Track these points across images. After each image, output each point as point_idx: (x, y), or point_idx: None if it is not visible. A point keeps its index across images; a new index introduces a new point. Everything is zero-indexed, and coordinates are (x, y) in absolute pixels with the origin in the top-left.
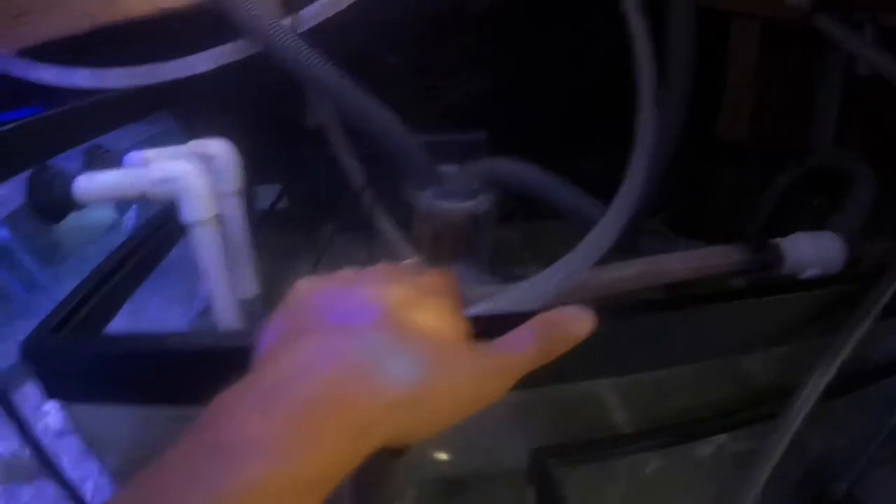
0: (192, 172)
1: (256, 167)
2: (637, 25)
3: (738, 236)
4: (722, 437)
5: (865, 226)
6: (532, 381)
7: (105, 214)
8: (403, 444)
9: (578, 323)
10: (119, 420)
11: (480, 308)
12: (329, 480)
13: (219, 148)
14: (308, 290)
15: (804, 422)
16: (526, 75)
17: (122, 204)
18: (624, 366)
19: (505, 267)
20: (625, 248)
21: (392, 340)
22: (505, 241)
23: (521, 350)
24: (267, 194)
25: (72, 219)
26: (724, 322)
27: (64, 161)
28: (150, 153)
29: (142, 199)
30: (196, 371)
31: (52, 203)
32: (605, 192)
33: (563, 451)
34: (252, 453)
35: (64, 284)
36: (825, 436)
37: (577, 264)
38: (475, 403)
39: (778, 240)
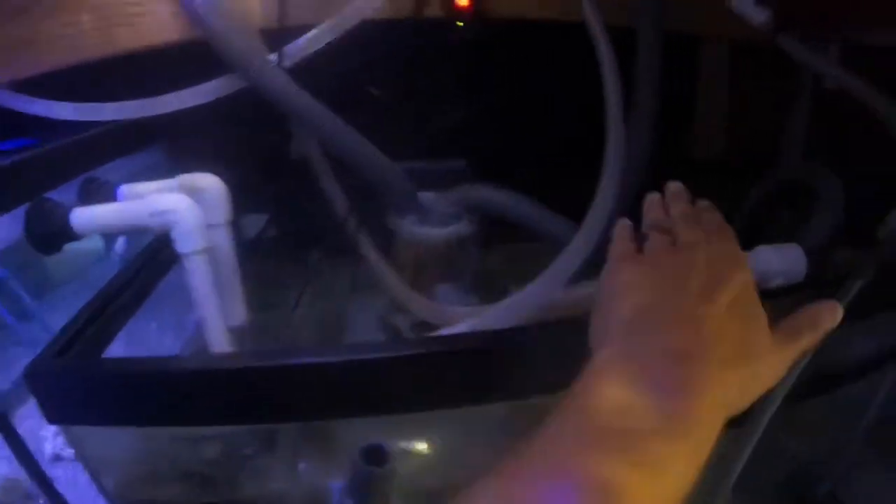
0: (186, 205)
1: (244, 197)
2: (604, 52)
3: None
4: None
5: (834, 236)
6: (518, 392)
7: (93, 246)
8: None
9: (830, 313)
10: (118, 443)
11: (459, 328)
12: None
13: (208, 182)
14: (641, 272)
15: (770, 426)
16: (506, 104)
17: (109, 236)
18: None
19: (488, 290)
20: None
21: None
22: (487, 265)
23: (800, 343)
24: (254, 224)
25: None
26: None
27: (58, 193)
28: (142, 186)
29: (137, 231)
30: (195, 392)
31: (50, 235)
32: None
33: None
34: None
35: (55, 314)
36: (804, 438)
37: (548, 285)
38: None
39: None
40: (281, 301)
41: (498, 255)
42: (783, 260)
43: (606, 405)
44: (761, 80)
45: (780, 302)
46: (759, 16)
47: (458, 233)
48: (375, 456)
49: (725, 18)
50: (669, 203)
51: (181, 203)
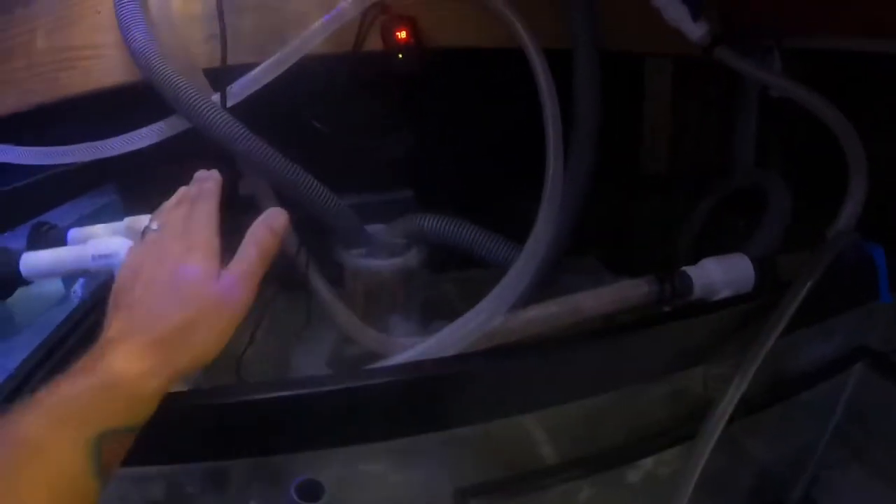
0: (126, 247)
1: None
2: (541, 76)
3: (670, 265)
4: (649, 461)
5: (785, 240)
6: (460, 420)
7: (55, 288)
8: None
9: (274, 217)
10: None
11: (401, 357)
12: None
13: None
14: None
15: (733, 436)
16: (451, 132)
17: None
18: (549, 398)
19: (444, 318)
20: (548, 288)
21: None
22: (442, 293)
23: (248, 261)
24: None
25: (22, 292)
26: (642, 348)
27: (10, 238)
28: (90, 230)
29: (84, 275)
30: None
31: (1, 281)
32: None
33: (488, 489)
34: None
35: (16, 356)
36: (769, 445)
37: (490, 311)
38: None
39: (685, 268)
40: (234, 339)
41: (452, 282)
42: (728, 271)
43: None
44: (705, 94)
45: (729, 313)
46: (696, 30)
47: (406, 264)
48: (309, 491)
49: (667, 35)
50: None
51: (125, 246)
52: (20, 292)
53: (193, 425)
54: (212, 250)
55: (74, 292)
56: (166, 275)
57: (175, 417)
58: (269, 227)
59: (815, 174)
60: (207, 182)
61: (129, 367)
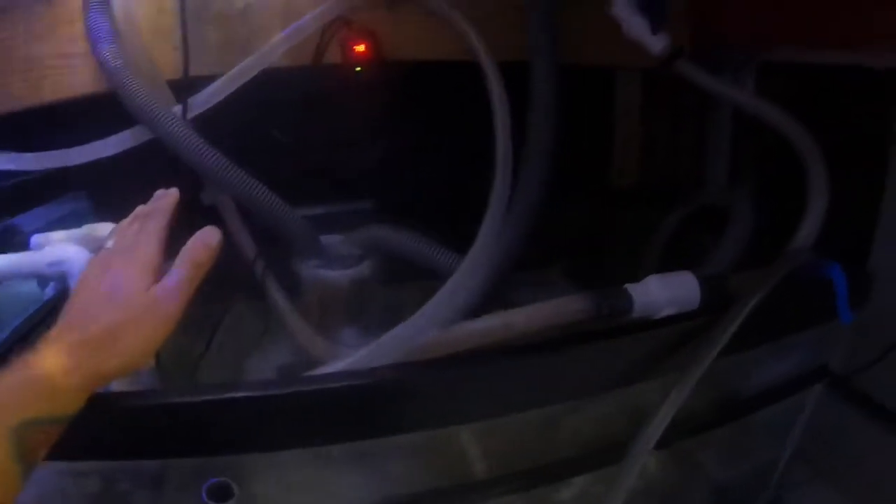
0: (79, 255)
1: None
2: (494, 87)
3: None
4: (581, 479)
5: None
6: (385, 428)
7: (30, 288)
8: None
9: (208, 234)
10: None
11: (336, 366)
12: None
13: (109, 230)
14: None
15: (675, 453)
16: (413, 144)
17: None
18: (480, 410)
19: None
20: (496, 302)
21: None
22: (399, 302)
23: (179, 276)
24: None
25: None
26: (577, 364)
27: None
28: (51, 235)
29: (42, 279)
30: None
31: None
32: None
33: (418, 500)
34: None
35: None
36: (726, 463)
37: (424, 323)
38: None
39: (627, 285)
40: (191, 346)
41: (410, 291)
42: (672, 288)
43: None
44: (676, 107)
45: (668, 331)
46: (657, 44)
47: (360, 274)
48: (218, 493)
49: (634, 48)
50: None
51: (77, 254)
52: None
53: (127, 424)
54: (150, 265)
55: (46, 293)
56: (105, 285)
57: (110, 416)
58: (203, 243)
59: (787, 191)
60: (161, 200)
61: (54, 363)
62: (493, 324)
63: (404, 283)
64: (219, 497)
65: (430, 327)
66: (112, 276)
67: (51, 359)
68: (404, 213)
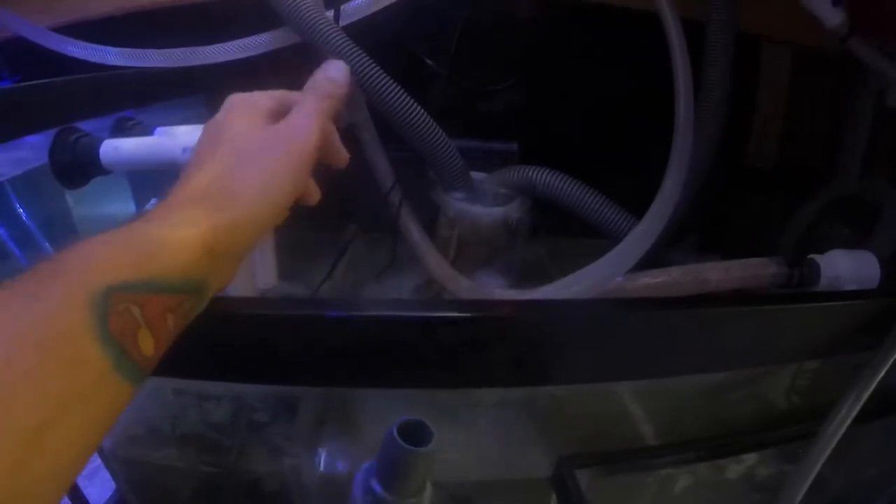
0: None
1: None
2: (675, 41)
3: None
4: (751, 458)
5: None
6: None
7: (126, 211)
8: None
9: (332, 67)
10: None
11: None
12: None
13: None
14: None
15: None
16: (562, 89)
17: (140, 201)
18: (645, 369)
19: (528, 281)
20: (652, 264)
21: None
22: (529, 256)
23: (303, 111)
24: None
25: (92, 214)
26: (754, 328)
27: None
28: (177, 128)
29: (168, 168)
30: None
31: (76, 165)
32: (631, 209)
33: (592, 461)
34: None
35: None
36: (849, 466)
37: (608, 269)
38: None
39: (814, 255)
40: (313, 272)
41: (542, 246)
42: (856, 264)
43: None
44: (820, 91)
45: (853, 305)
46: (834, 17)
47: (508, 215)
48: (415, 433)
49: (791, 20)
50: None
51: None
52: (90, 214)
53: (266, 340)
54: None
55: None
56: (226, 132)
57: (246, 328)
58: (325, 76)
59: None
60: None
61: (154, 214)
62: (685, 277)
63: (535, 235)
64: (415, 439)
65: (615, 274)
66: (223, 118)
67: (152, 212)
68: (544, 161)
